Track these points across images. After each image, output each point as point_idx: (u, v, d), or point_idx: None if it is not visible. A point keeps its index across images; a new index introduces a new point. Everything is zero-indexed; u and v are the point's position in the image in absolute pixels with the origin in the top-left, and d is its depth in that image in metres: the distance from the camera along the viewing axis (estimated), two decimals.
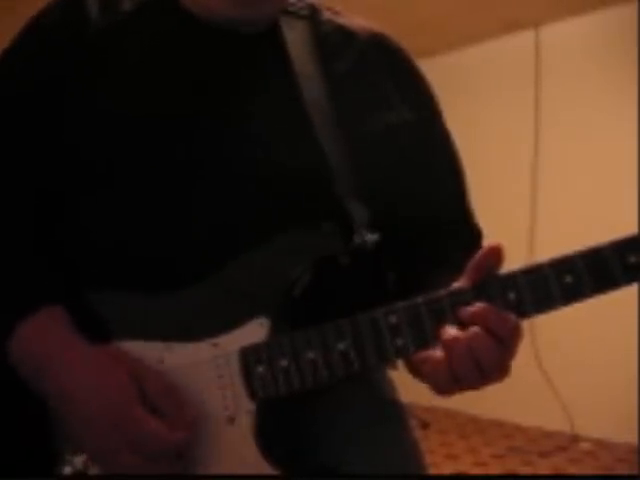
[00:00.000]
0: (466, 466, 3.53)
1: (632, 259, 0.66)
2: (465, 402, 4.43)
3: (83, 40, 0.84)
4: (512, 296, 0.69)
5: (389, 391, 0.93)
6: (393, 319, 0.71)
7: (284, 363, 0.73)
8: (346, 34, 0.91)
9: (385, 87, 0.89)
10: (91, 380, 0.73)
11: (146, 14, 0.87)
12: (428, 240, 0.89)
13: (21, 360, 0.76)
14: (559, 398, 3.80)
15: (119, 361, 0.74)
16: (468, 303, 0.70)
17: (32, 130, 0.84)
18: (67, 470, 0.75)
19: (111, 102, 0.81)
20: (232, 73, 0.84)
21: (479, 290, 0.70)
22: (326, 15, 0.93)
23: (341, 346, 0.72)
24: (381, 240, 0.79)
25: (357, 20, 0.94)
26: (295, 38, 0.87)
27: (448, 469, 3.42)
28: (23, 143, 0.85)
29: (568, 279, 0.68)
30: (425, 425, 3.89)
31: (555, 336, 3.68)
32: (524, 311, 0.69)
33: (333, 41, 0.90)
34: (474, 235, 0.95)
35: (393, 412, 0.91)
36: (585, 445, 3.62)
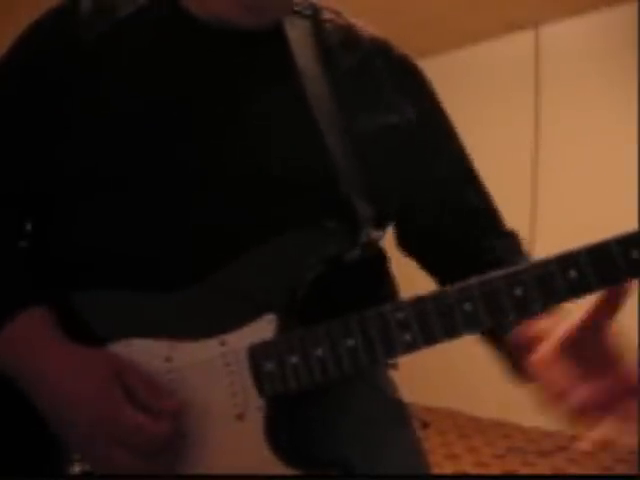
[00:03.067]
0: (466, 466, 3.53)
1: (636, 254, 0.67)
2: (465, 402, 4.44)
3: (80, 46, 0.84)
4: (518, 291, 0.70)
5: (392, 390, 0.94)
6: (401, 315, 0.72)
7: (293, 360, 0.73)
8: (348, 35, 0.91)
9: (388, 88, 0.90)
10: (74, 373, 0.74)
11: (145, 18, 0.86)
12: (453, 233, 0.92)
13: (6, 361, 0.77)
14: None
15: (102, 357, 0.76)
16: (474, 298, 0.70)
17: (25, 135, 0.84)
18: (76, 470, 0.76)
19: (112, 106, 0.81)
20: (235, 72, 0.84)
21: (486, 286, 0.70)
22: (328, 16, 0.93)
23: (349, 342, 0.73)
24: (400, 239, 0.79)
25: (358, 23, 0.95)
26: (298, 37, 0.87)
27: (448, 469, 3.43)
28: (14, 148, 0.85)
29: (572, 274, 0.68)
30: (425, 425, 3.89)
31: None
32: (530, 306, 0.70)
33: (336, 41, 0.90)
34: (497, 219, 0.97)
35: (397, 410, 0.92)
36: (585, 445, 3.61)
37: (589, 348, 0.71)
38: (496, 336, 0.85)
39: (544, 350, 0.72)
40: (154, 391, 0.74)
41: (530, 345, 0.74)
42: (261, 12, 0.85)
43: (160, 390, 0.74)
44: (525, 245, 0.94)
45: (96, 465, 0.74)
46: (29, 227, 0.89)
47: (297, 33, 0.88)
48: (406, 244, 0.97)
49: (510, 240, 0.95)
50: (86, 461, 0.75)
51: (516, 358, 0.80)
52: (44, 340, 0.77)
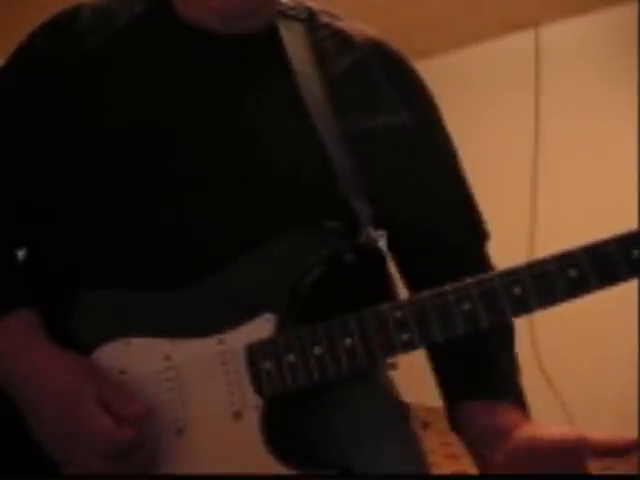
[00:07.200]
0: (466, 466, 3.53)
1: (636, 253, 0.67)
2: None
3: (77, 57, 0.84)
4: (517, 290, 0.70)
5: (391, 390, 0.94)
6: (399, 314, 0.72)
7: (291, 359, 0.74)
8: (344, 38, 0.91)
9: (383, 90, 0.90)
10: (47, 369, 0.75)
11: (143, 27, 0.87)
12: (431, 241, 0.92)
13: None
14: (559, 398, 3.80)
15: (78, 360, 0.77)
16: (472, 297, 0.70)
17: (22, 142, 0.85)
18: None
19: (111, 113, 0.82)
20: (231, 75, 0.85)
21: (484, 285, 0.71)
22: (324, 19, 0.93)
23: (347, 341, 0.73)
24: (390, 242, 0.81)
25: (356, 25, 0.95)
26: (293, 40, 0.88)
27: (448, 469, 3.42)
28: (12, 155, 0.86)
29: (572, 273, 0.68)
30: (425, 425, 3.89)
31: (555, 336, 3.68)
32: (528, 305, 0.70)
33: (331, 44, 0.90)
34: (478, 236, 0.97)
35: (396, 410, 0.92)
36: None
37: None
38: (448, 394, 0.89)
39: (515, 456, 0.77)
40: (122, 397, 0.74)
41: (494, 437, 0.80)
42: (236, 21, 0.86)
43: (128, 396, 0.75)
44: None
45: (65, 462, 0.75)
46: (26, 235, 0.89)
47: (292, 36, 0.88)
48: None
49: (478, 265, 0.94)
50: (56, 458, 0.75)
51: (454, 422, 0.87)
52: (26, 341, 0.78)
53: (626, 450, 0.72)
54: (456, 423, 0.88)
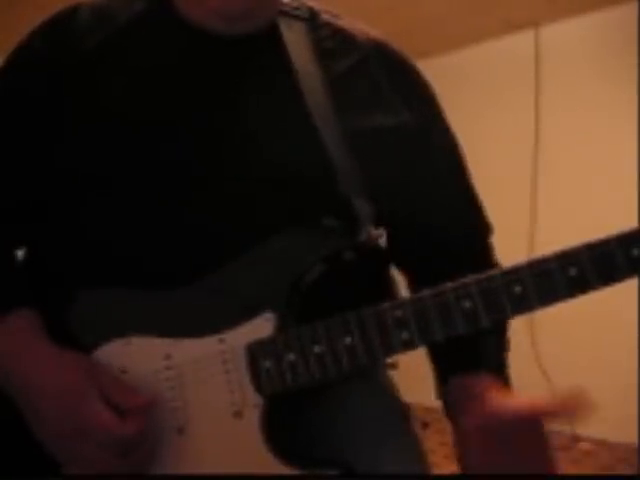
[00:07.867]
0: None
1: (636, 252, 0.67)
2: None
3: (76, 56, 0.84)
4: (517, 289, 0.70)
5: (391, 390, 0.94)
6: (399, 313, 0.72)
7: (291, 358, 0.74)
8: (345, 37, 0.91)
9: (385, 89, 0.90)
10: (48, 368, 0.76)
11: (143, 26, 0.87)
12: (436, 239, 0.92)
13: None
14: (559, 398, 3.79)
15: (78, 359, 0.77)
16: (472, 296, 0.70)
17: (22, 142, 0.85)
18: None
19: (111, 110, 0.82)
20: (232, 75, 0.85)
21: (484, 283, 0.71)
22: (325, 18, 0.93)
23: (347, 340, 0.73)
24: (393, 240, 0.82)
25: (357, 24, 0.95)
26: (294, 39, 0.88)
27: (448, 469, 3.42)
28: (12, 154, 0.86)
29: (573, 272, 0.69)
30: (425, 425, 3.89)
31: (555, 336, 3.68)
32: (529, 303, 0.70)
33: (332, 43, 0.90)
34: (482, 232, 0.97)
35: (396, 410, 0.92)
36: (585, 445, 3.61)
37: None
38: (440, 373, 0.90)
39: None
40: (123, 391, 0.75)
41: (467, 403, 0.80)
42: (237, 21, 0.86)
43: (129, 389, 0.75)
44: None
45: (68, 461, 0.75)
46: (26, 234, 0.89)
47: (293, 35, 0.88)
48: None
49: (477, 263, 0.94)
50: (59, 457, 0.75)
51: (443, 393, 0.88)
52: (27, 340, 0.78)
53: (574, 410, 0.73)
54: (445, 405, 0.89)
